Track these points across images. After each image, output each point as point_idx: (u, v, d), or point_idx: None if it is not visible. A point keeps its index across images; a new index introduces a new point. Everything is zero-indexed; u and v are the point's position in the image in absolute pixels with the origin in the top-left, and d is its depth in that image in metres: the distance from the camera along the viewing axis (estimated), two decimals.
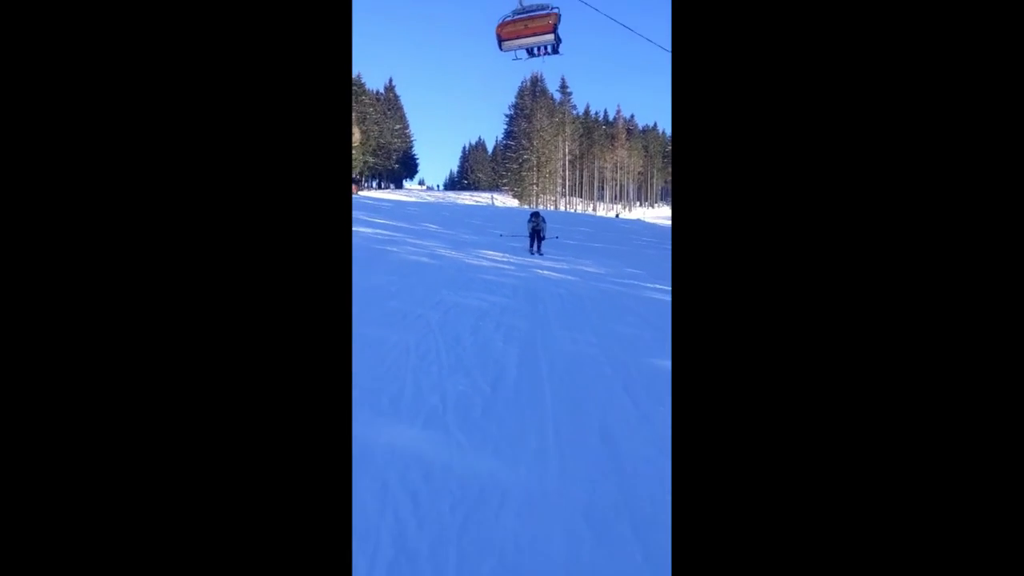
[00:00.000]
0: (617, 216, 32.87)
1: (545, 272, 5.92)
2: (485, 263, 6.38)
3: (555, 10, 6.21)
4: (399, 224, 10.08)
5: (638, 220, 26.01)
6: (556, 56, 6.61)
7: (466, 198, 39.12)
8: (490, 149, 59.30)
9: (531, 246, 8.96)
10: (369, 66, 68.86)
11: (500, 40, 6.40)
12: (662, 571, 1.19)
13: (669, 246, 12.24)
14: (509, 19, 6.25)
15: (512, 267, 6.20)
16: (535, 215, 9.21)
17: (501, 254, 7.28)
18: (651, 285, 5.74)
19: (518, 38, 6.31)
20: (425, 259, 6.35)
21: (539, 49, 6.43)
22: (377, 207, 13.83)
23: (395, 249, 6.96)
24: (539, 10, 6.23)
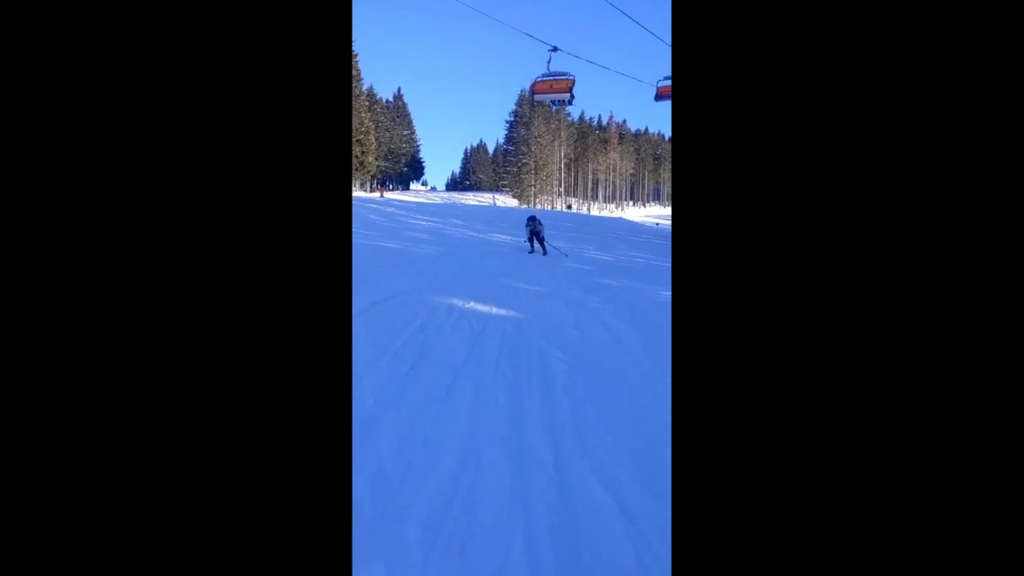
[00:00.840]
0: (569, 207, 39.26)
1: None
2: (497, 239, 11.24)
3: (571, 77, 10.06)
4: (436, 219, 14.88)
5: (619, 218, 30.71)
6: (571, 105, 10.78)
7: (470, 199, 43.72)
8: (491, 150, 64.01)
9: (532, 247, 9.40)
10: (379, 76, 73.64)
11: (532, 93, 10.53)
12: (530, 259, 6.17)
13: (628, 235, 17.01)
14: (540, 79, 10.18)
15: (513, 241, 11.04)
16: (532, 219, 9.66)
17: (506, 236, 12.07)
18: (592, 252, 10.56)
19: (545, 93, 10.28)
20: (467, 236, 11.22)
21: (559, 101, 10.44)
22: (409, 207, 18.64)
23: (448, 232, 11.80)
24: (561, 75, 10.11)
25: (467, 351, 3.23)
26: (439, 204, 26.21)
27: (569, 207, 42.07)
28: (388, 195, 31.72)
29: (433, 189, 58.54)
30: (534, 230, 9.49)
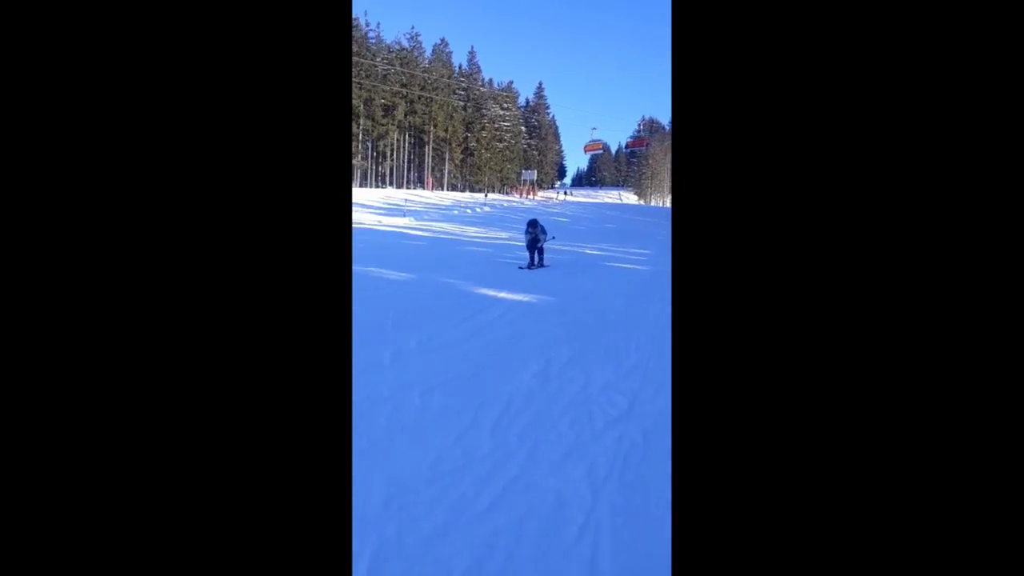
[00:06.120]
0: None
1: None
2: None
3: (646, 137, 36.71)
4: (612, 212, 40.26)
5: None
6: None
7: (603, 196, 68.05)
8: (613, 150, 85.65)
9: (531, 260, 8.35)
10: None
11: (626, 148, 37.29)
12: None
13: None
14: (630, 140, 36.70)
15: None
16: (533, 224, 8.52)
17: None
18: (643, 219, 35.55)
19: (636, 146, 37.78)
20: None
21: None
22: (584, 205, 43.95)
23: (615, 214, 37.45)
24: (643, 136, 36.99)
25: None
26: (594, 203, 49.83)
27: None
28: (568, 197, 56.67)
29: (563, 185, 79.01)
30: (535, 237, 8.46)
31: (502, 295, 6.11)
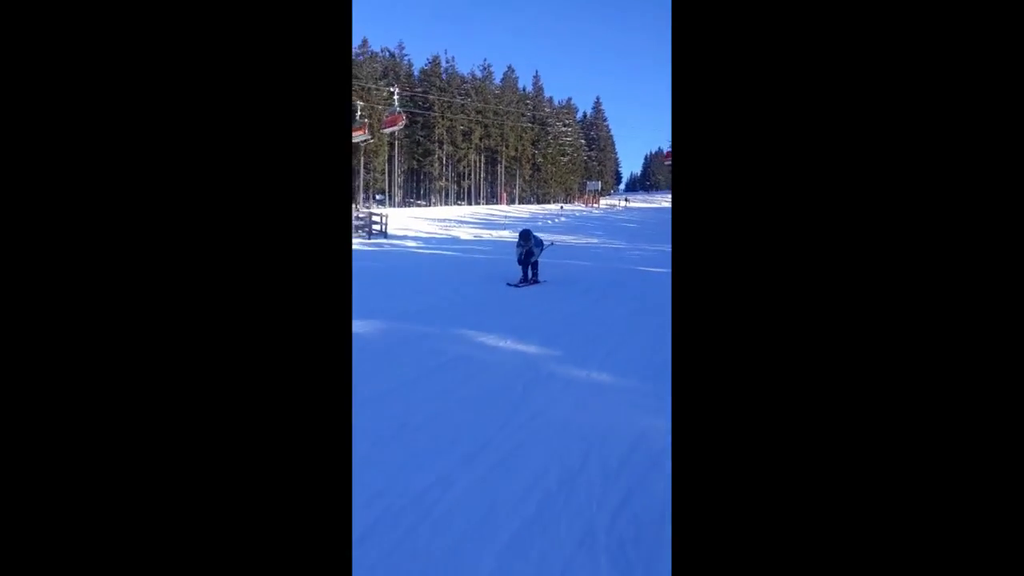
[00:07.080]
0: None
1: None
2: None
3: None
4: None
5: None
6: None
7: (660, 200, 69.55)
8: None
9: (525, 275, 7.73)
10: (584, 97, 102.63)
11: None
12: None
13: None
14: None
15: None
16: (525, 236, 7.89)
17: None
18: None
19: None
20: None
21: None
22: (644, 211, 46.70)
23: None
24: None
25: None
26: (656, 208, 45.01)
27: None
28: (628, 204, 59.13)
29: (619, 191, 79.61)
30: (528, 251, 7.80)
31: (649, 270, 10.18)
